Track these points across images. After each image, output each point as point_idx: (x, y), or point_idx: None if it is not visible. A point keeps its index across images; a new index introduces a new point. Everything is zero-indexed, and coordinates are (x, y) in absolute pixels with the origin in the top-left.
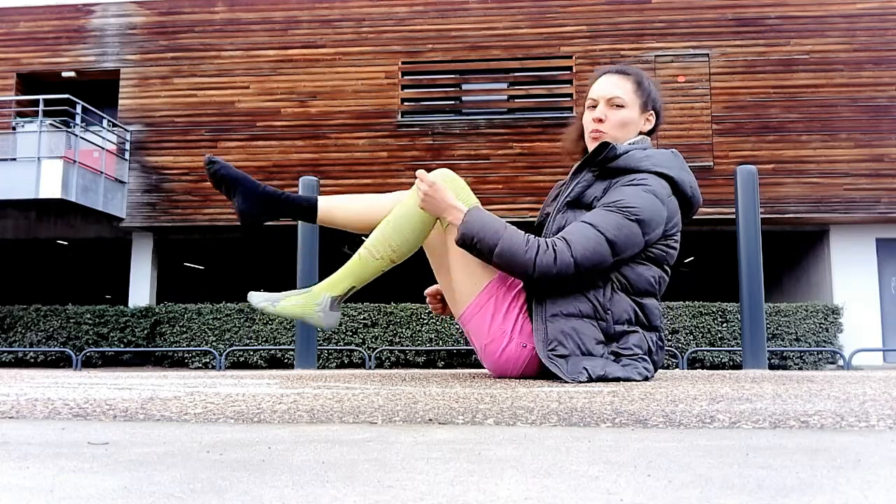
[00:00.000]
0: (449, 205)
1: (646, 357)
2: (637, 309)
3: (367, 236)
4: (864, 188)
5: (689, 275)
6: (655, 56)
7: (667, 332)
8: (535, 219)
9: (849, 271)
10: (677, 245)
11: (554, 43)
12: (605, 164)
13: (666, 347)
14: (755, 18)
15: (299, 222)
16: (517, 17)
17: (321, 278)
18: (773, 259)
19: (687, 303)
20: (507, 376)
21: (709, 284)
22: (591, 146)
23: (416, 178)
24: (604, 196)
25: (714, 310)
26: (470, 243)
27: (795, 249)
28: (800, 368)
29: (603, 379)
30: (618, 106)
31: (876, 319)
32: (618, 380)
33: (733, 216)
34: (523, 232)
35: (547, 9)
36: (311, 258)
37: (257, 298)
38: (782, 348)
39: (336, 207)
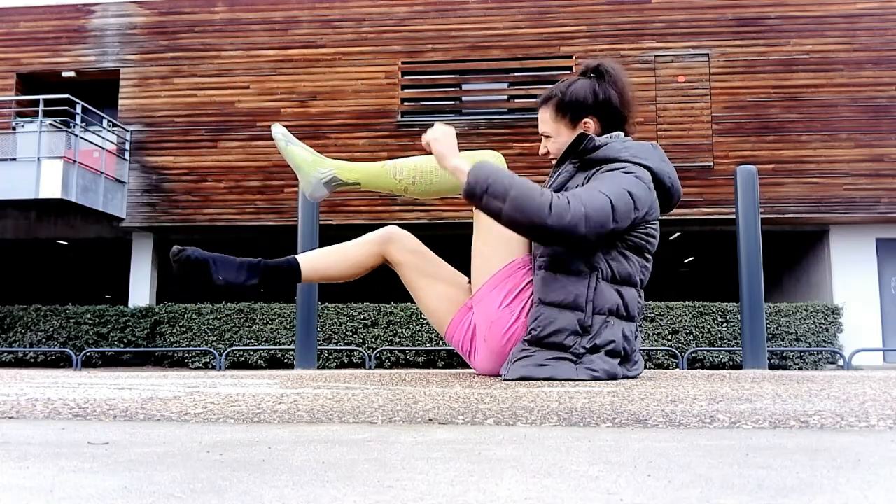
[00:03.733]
0: (457, 152)
1: (613, 354)
2: (619, 297)
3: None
4: (864, 188)
5: (689, 275)
6: (655, 56)
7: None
8: None
9: (849, 271)
10: (657, 234)
11: (554, 43)
12: (584, 154)
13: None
14: (755, 18)
15: (299, 221)
16: (517, 17)
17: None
18: (773, 259)
19: (687, 303)
20: (504, 363)
21: (709, 284)
22: None
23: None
24: (588, 182)
25: (714, 310)
26: (481, 190)
27: (795, 249)
28: (800, 368)
29: (543, 379)
30: (547, 137)
31: (876, 319)
32: (563, 380)
33: (733, 216)
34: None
35: (547, 9)
36: None
37: (279, 130)
38: (782, 348)
39: (316, 261)
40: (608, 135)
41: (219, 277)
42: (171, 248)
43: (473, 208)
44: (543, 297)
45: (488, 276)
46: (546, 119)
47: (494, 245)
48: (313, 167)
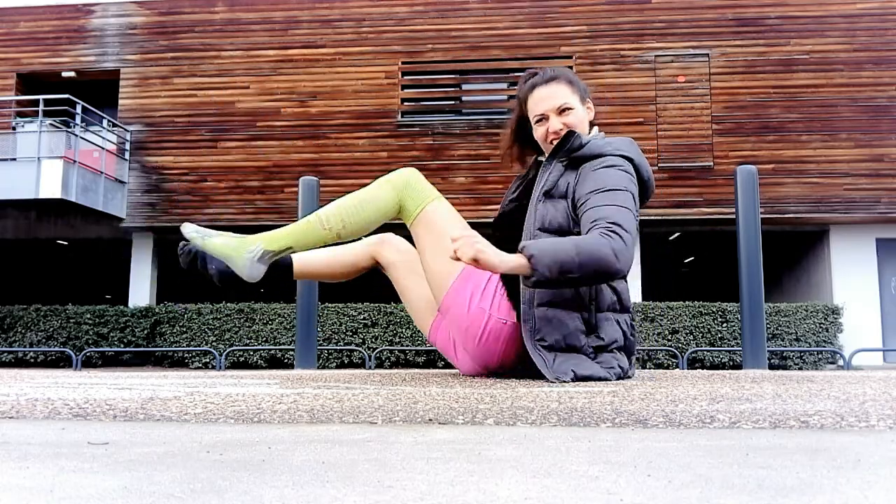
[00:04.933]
0: (496, 251)
1: (620, 349)
2: (614, 292)
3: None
4: (864, 188)
5: (689, 275)
6: (655, 56)
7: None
8: None
9: (849, 271)
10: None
11: (554, 43)
12: (572, 153)
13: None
14: (755, 18)
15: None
16: (517, 17)
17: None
18: (773, 259)
19: (687, 303)
20: (488, 364)
21: (709, 284)
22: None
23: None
24: (578, 182)
25: (714, 310)
26: (556, 272)
27: (795, 249)
28: (800, 368)
29: (585, 379)
30: (566, 110)
31: (876, 319)
32: (600, 379)
33: (733, 216)
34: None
35: (547, 9)
36: None
37: (190, 229)
38: (782, 348)
39: (307, 263)
40: (594, 129)
41: (212, 267)
42: (175, 246)
43: (414, 230)
44: (548, 297)
45: (448, 285)
46: (566, 92)
47: (444, 258)
48: (240, 250)
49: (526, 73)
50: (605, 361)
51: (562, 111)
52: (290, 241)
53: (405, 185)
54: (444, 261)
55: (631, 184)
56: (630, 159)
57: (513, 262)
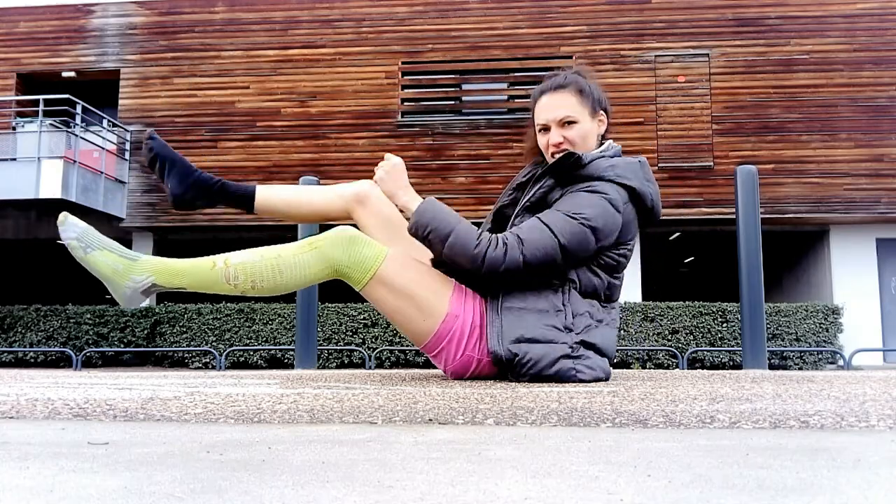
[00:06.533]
0: (405, 186)
1: (606, 355)
2: (590, 307)
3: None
4: (864, 188)
5: (689, 275)
6: (655, 56)
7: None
8: None
9: (849, 271)
10: (630, 253)
11: (554, 43)
12: (572, 171)
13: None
14: (755, 18)
15: (294, 222)
16: (517, 17)
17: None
18: (773, 259)
19: (687, 303)
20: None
21: (709, 284)
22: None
23: (379, 165)
24: (560, 199)
25: (714, 310)
26: (423, 232)
27: (795, 249)
28: (800, 368)
29: (564, 378)
30: (570, 123)
31: (876, 319)
32: (577, 381)
33: (733, 216)
34: (477, 228)
35: (547, 9)
36: None
37: (72, 231)
38: (782, 348)
39: (274, 196)
40: (607, 143)
41: (170, 185)
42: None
43: (370, 293)
44: (518, 304)
45: (428, 336)
46: (571, 103)
47: (419, 319)
48: (124, 276)
49: (547, 75)
50: (584, 358)
51: (564, 124)
52: (186, 282)
53: (340, 253)
54: (419, 321)
55: (604, 216)
56: (631, 188)
57: (405, 202)
